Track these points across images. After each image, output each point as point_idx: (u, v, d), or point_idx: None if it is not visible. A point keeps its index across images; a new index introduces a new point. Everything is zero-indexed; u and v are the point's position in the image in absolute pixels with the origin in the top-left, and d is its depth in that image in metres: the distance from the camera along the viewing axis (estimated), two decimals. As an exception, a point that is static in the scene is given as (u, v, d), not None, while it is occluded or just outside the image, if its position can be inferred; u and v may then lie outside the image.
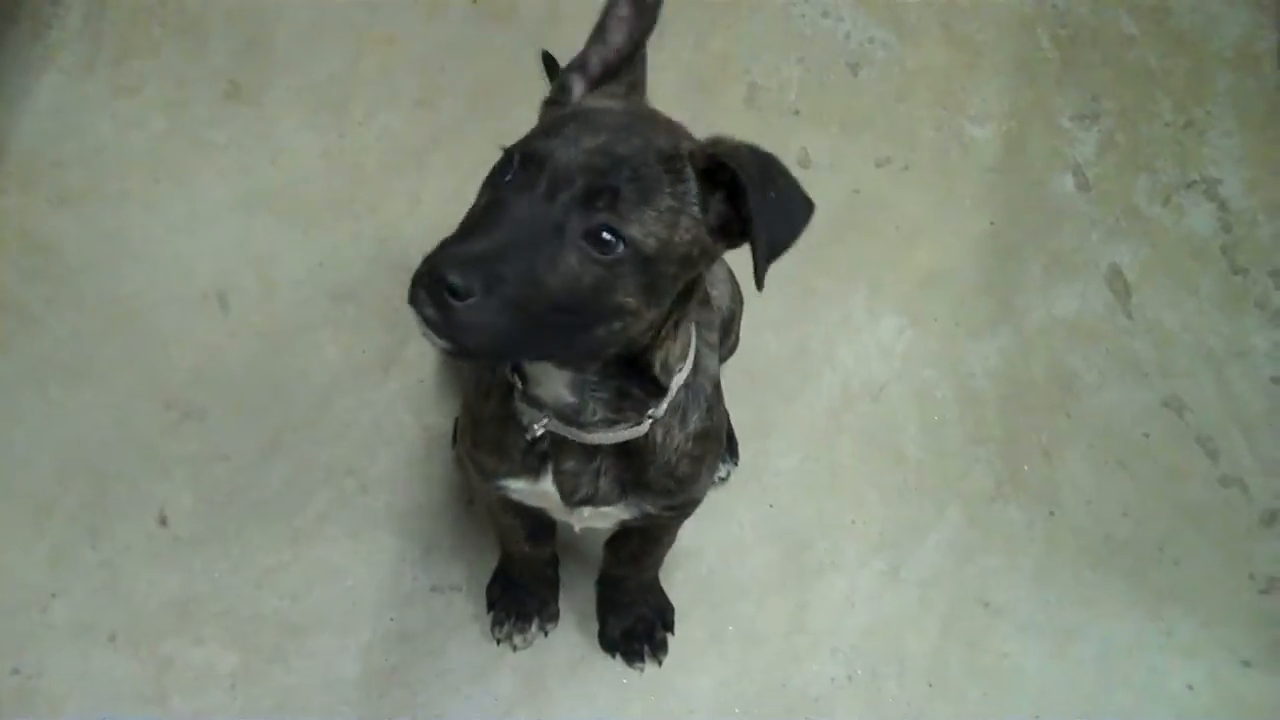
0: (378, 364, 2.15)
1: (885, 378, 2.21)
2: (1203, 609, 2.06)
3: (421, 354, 2.15)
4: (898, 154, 2.42)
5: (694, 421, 1.46)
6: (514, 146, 1.21)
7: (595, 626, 1.97)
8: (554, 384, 1.34)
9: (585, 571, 2.00)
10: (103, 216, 2.25)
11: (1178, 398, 2.23)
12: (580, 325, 1.19)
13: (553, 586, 1.97)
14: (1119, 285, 2.32)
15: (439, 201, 2.30)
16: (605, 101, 1.29)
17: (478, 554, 2.01)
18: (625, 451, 1.44)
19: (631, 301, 1.19)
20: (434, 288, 1.10)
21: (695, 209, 1.21)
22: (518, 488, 1.53)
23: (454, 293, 1.09)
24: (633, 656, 1.95)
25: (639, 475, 1.47)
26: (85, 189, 2.28)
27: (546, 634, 1.96)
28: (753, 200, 1.16)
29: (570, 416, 1.37)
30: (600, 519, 1.56)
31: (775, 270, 2.13)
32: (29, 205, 2.25)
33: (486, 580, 1.97)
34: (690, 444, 1.46)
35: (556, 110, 1.29)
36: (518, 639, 1.94)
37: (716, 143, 1.22)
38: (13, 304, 2.16)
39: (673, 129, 1.25)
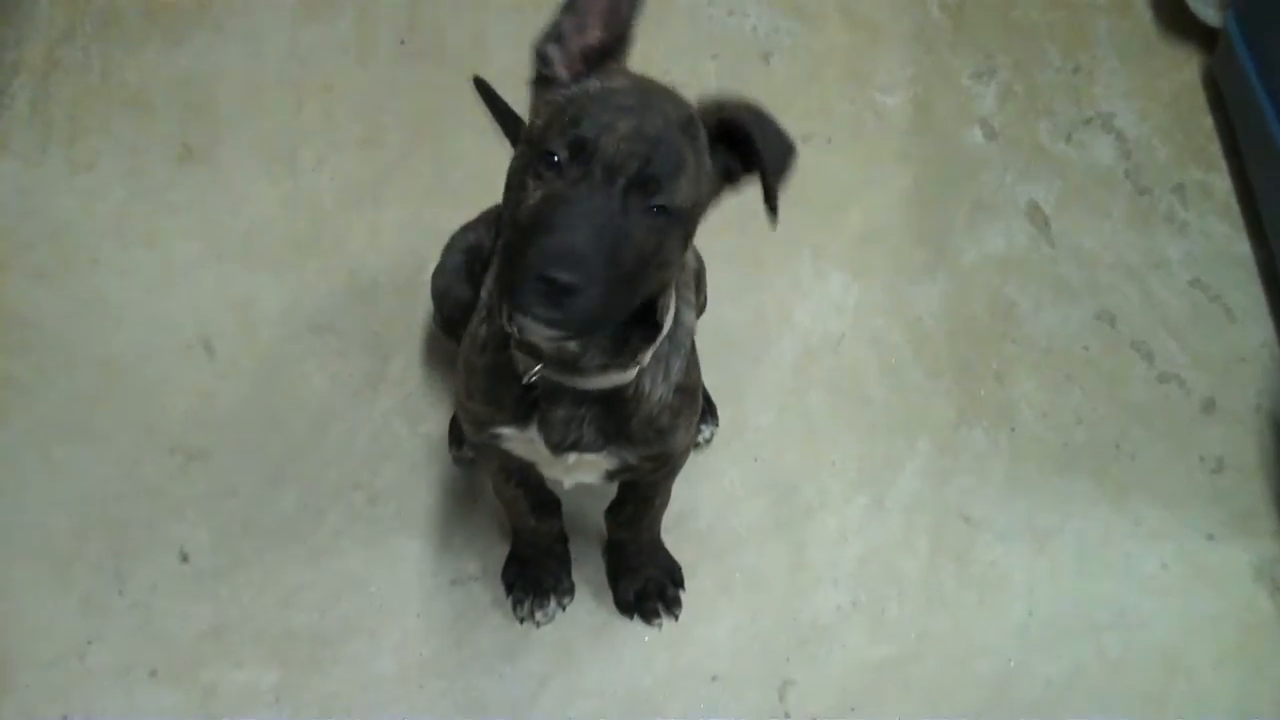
0: (366, 385, 2.24)
1: (841, 330, 2.35)
2: (1163, 495, 2.21)
3: (406, 369, 2.25)
4: (818, 129, 2.58)
5: (676, 372, 1.59)
6: (546, 142, 1.31)
7: (610, 595, 2.07)
8: None
9: (592, 546, 2.10)
10: (79, 287, 2.33)
11: (1108, 311, 2.39)
12: (642, 283, 1.36)
13: (564, 562, 2.06)
14: (1039, 219, 2.50)
15: (397, 230, 2.41)
16: (614, 81, 1.37)
17: (489, 544, 2.10)
18: (610, 402, 1.55)
19: (678, 254, 1.38)
20: (550, 291, 1.24)
21: (708, 162, 1.37)
22: (508, 434, 1.62)
23: (567, 290, 1.23)
24: (649, 615, 2.05)
25: (622, 425, 1.58)
26: (58, 263, 2.35)
27: (564, 608, 2.05)
28: (760, 146, 1.35)
29: (569, 363, 1.48)
30: (585, 469, 1.66)
31: (725, 249, 2.30)
32: (6, 285, 2.32)
33: (500, 568, 2.07)
34: (671, 396, 1.60)
35: (556, 90, 1.38)
36: (539, 615, 2.03)
37: (719, 106, 1.38)
38: (3, 378, 2.22)
39: (673, 95, 1.39)
